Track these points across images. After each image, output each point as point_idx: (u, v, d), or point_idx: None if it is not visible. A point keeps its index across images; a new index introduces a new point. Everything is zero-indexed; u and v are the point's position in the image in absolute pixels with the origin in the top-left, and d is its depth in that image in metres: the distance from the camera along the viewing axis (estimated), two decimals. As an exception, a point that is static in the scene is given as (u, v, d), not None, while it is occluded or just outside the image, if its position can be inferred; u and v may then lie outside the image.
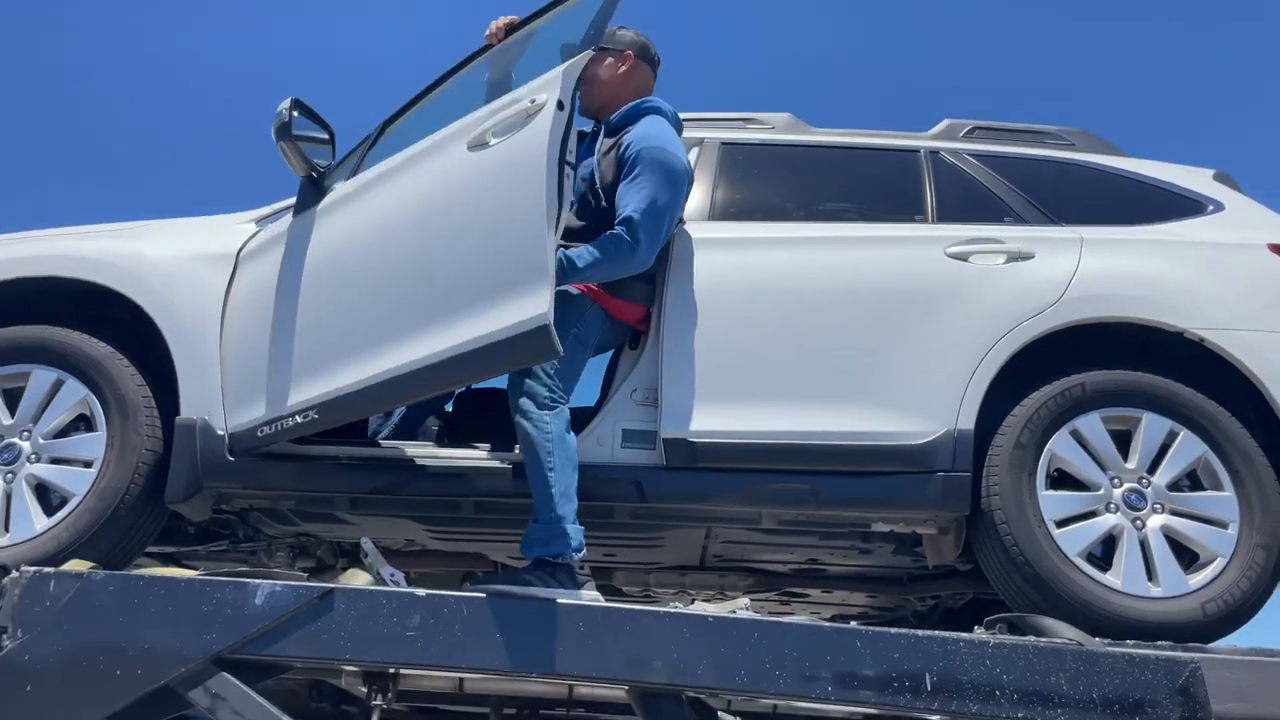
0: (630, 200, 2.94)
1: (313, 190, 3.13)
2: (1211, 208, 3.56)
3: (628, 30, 3.37)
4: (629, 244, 2.92)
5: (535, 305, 2.55)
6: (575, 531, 2.72)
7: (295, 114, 3.02)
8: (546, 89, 2.75)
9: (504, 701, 3.49)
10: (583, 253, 2.90)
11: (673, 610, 2.53)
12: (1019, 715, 2.39)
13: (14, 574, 2.49)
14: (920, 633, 2.48)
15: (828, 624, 2.52)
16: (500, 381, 3.00)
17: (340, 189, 3.10)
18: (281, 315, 2.98)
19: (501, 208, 2.69)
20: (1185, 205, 3.56)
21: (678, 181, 3.06)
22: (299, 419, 2.82)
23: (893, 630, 2.48)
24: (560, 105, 2.71)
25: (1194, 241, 3.39)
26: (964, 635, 2.51)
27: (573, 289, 2.99)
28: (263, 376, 2.96)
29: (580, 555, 2.73)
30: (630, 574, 3.83)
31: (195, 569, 3.81)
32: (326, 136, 3.16)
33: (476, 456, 3.02)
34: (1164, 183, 3.64)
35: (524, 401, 2.81)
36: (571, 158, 2.76)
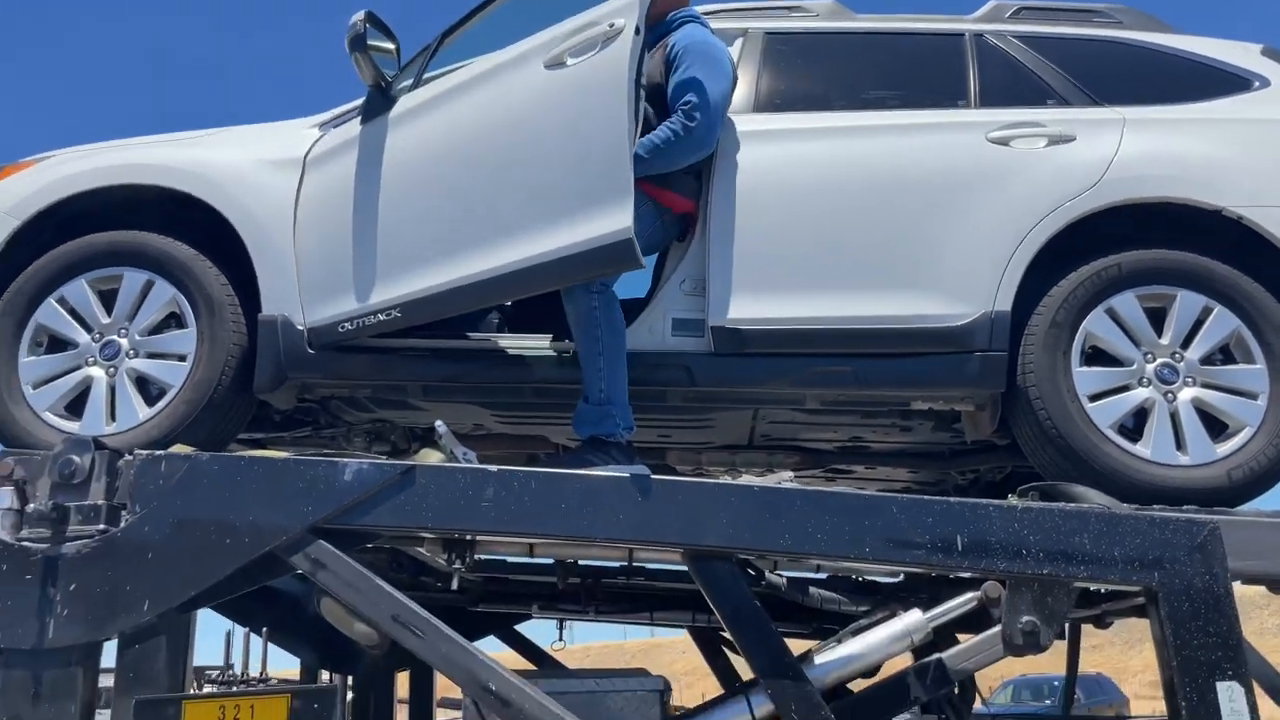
0: (686, 90, 3.11)
1: (381, 98, 3.28)
2: (1257, 84, 3.55)
3: None
4: (690, 129, 3.10)
5: (620, 219, 2.78)
6: (624, 412, 2.93)
7: (368, 25, 3.16)
8: (625, 14, 2.91)
9: (569, 570, 3.77)
10: (645, 142, 3.05)
11: (723, 481, 2.73)
12: (1044, 571, 2.58)
13: (128, 456, 2.77)
14: (953, 499, 2.67)
15: (866, 492, 2.71)
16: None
17: (412, 97, 3.24)
18: (358, 218, 3.17)
19: (584, 126, 2.88)
20: (1231, 82, 3.56)
21: (726, 73, 3.23)
22: (381, 317, 3.04)
23: (927, 497, 2.67)
24: (637, 30, 2.88)
25: (1236, 119, 3.41)
26: (994, 501, 2.70)
27: (650, 199, 3.17)
28: (340, 276, 3.16)
29: (630, 434, 2.94)
30: (683, 454, 4.05)
31: (284, 452, 4.14)
32: (393, 47, 3.30)
33: (537, 345, 3.23)
34: (1210, 59, 3.63)
35: (575, 288, 3.00)
36: (643, 79, 2.95)
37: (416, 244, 3.09)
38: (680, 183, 3.25)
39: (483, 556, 3.30)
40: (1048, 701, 16.96)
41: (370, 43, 3.19)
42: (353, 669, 5.00)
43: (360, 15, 3.13)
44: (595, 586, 4.41)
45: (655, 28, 3.35)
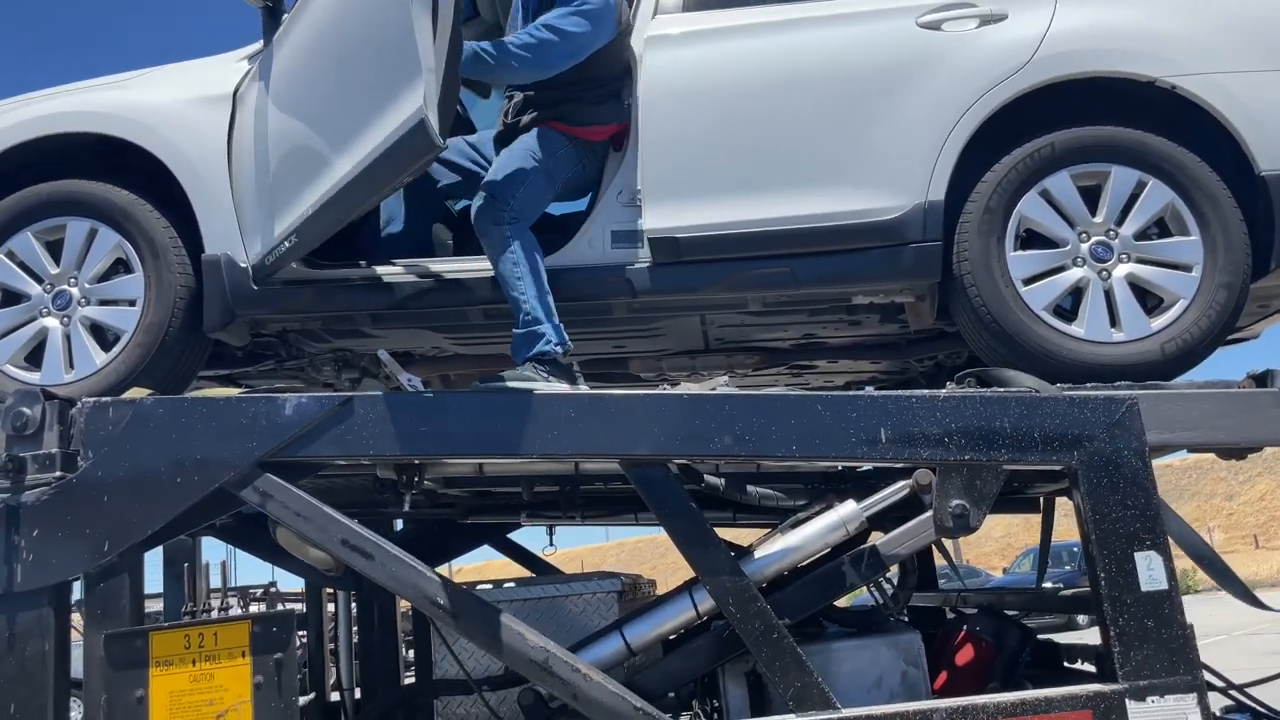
0: (560, 15, 3.09)
1: (271, 20, 3.26)
2: None
3: None
4: (544, 41, 3.07)
5: (412, 102, 2.57)
6: (554, 330, 2.98)
7: None
8: None
9: (533, 482, 3.87)
10: (496, 44, 3.04)
11: (650, 392, 2.80)
12: (967, 457, 2.65)
13: (78, 404, 2.86)
14: (875, 393, 2.72)
15: (793, 393, 2.77)
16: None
17: (288, 16, 3.21)
18: (264, 148, 3.19)
19: (379, 4, 2.69)
20: (1171, -55, 3.46)
21: (605, 26, 3.19)
22: (285, 245, 3.06)
23: (850, 393, 2.73)
24: None
25: None
26: (916, 392, 2.75)
27: (554, 131, 3.18)
28: (263, 209, 3.20)
29: (565, 350, 2.99)
30: (643, 361, 4.11)
31: (253, 387, 4.24)
32: None
33: (474, 267, 3.26)
34: (1153, -81, 3.51)
35: (484, 222, 3.05)
36: None
37: (297, 165, 3.07)
38: (596, 112, 3.24)
39: (440, 475, 3.40)
40: (1067, 568, 17.41)
41: None
42: (356, 584, 5.18)
43: None
44: (575, 493, 4.54)
45: None
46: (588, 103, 3.26)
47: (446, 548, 5.42)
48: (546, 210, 3.37)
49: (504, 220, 3.04)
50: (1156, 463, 2.82)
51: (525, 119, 3.32)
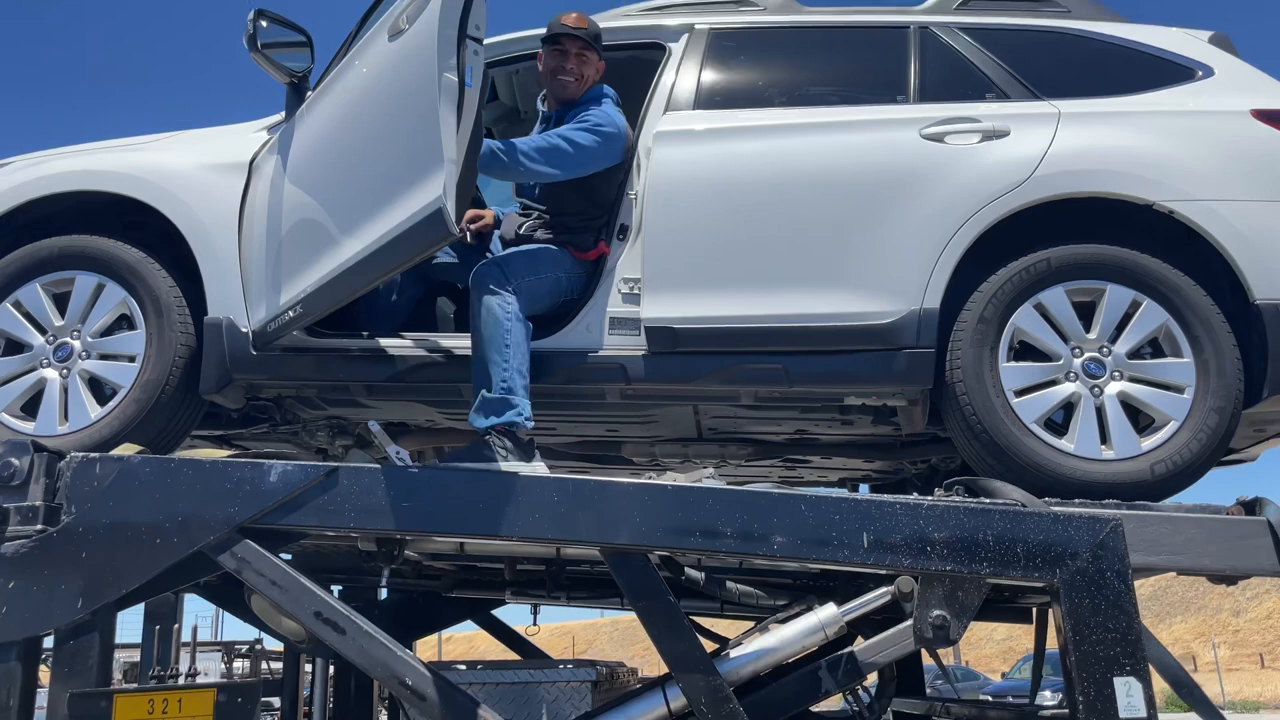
0: (574, 129, 3.25)
1: (295, 96, 3.35)
2: (1201, 73, 3.54)
3: (597, 22, 3.53)
4: (556, 147, 3.22)
5: (431, 189, 2.65)
6: (525, 404, 3.01)
7: (263, 24, 3.21)
8: None
9: (515, 560, 3.85)
10: (510, 144, 3.14)
11: (635, 481, 2.79)
12: (948, 567, 2.63)
13: (66, 458, 2.87)
14: (859, 496, 2.72)
15: (776, 490, 2.77)
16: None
17: (312, 94, 3.30)
18: (279, 217, 3.25)
19: (408, 95, 2.78)
20: (1173, 72, 3.55)
21: (613, 151, 3.36)
22: (291, 314, 3.11)
23: (834, 494, 2.73)
24: None
25: (1174, 111, 3.40)
26: (901, 498, 2.74)
27: (565, 251, 3.34)
28: (270, 276, 3.25)
29: (530, 426, 3.00)
30: (636, 446, 4.12)
31: (246, 448, 4.25)
32: (302, 39, 3.34)
33: (468, 345, 3.28)
34: (1154, 49, 3.61)
35: (486, 281, 3.11)
36: (478, 34, 2.78)
37: (310, 238, 3.14)
38: (598, 239, 3.37)
39: (422, 551, 3.39)
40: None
41: (272, 41, 3.23)
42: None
43: (251, 15, 3.18)
44: (561, 573, 4.51)
45: (575, 102, 3.46)
46: (593, 231, 3.38)
47: (431, 620, 5.38)
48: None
49: (505, 287, 3.10)
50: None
51: (539, 235, 3.44)
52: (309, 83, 3.38)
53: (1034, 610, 4.36)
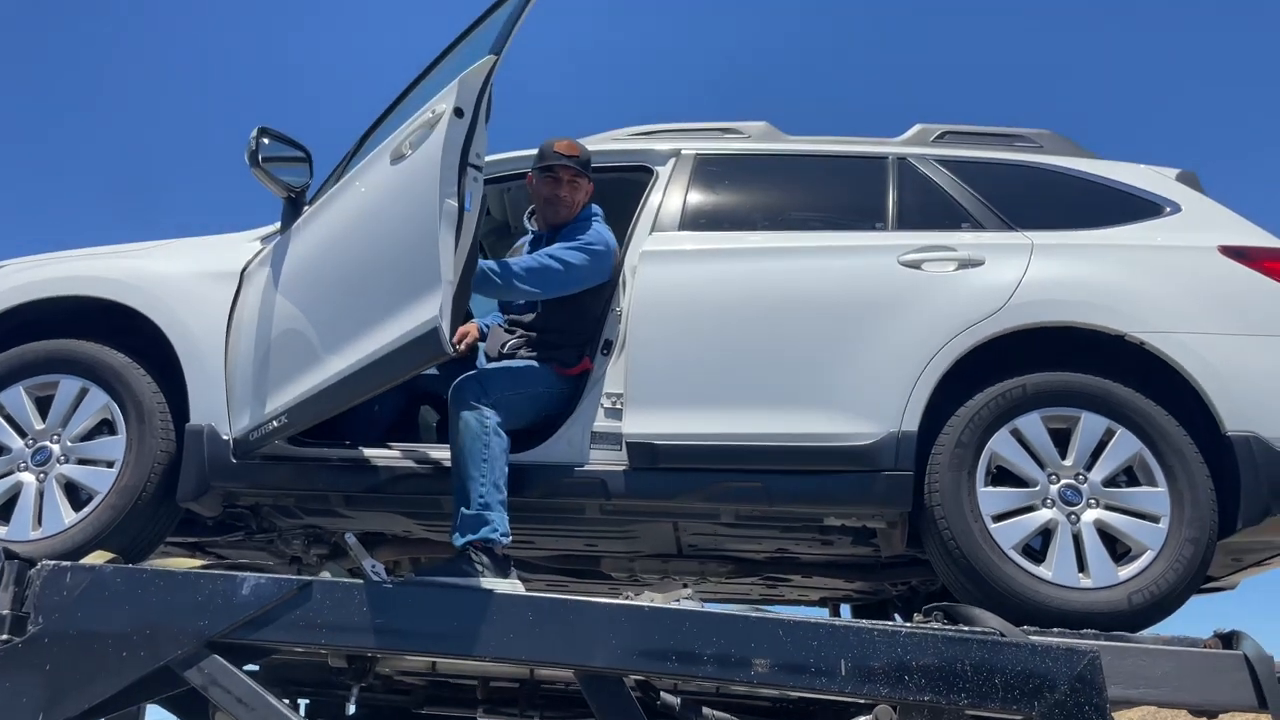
0: (565, 248, 3.34)
1: (292, 209, 3.43)
2: (1169, 209, 3.66)
3: (587, 146, 3.67)
4: (547, 267, 3.30)
5: (429, 308, 2.73)
6: (502, 520, 3.00)
7: (264, 140, 3.31)
8: (445, 99, 2.93)
9: (488, 679, 3.78)
10: (504, 264, 3.20)
11: (611, 602, 2.77)
12: (926, 697, 2.60)
13: (37, 566, 2.83)
14: (838, 621, 2.71)
15: (754, 614, 2.75)
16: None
17: (310, 208, 3.38)
18: (265, 328, 3.30)
19: (409, 217, 2.87)
20: (1142, 208, 3.67)
21: (602, 269, 3.45)
22: (275, 424, 3.13)
23: (812, 619, 2.71)
24: (459, 112, 2.86)
25: (1144, 245, 3.51)
26: (879, 624, 2.72)
27: (548, 367, 3.39)
28: (254, 386, 3.28)
29: (507, 541, 3.00)
30: (615, 561, 4.09)
31: (221, 556, 4.20)
32: (301, 155, 3.44)
33: (449, 456, 3.29)
34: (1123, 185, 3.75)
35: (465, 396, 3.13)
36: (479, 161, 2.90)
37: (299, 349, 3.18)
38: (581, 355, 3.43)
39: (396, 667, 3.32)
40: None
41: (272, 155, 3.33)
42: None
43: (254, 132, 3.28)
44: (535, 692, 4.41)
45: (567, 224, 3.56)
46: (576, 346, 3.44)
47: (398, 737, 5.21)
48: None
49: (483, 402, 3.12)
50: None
51: (522, 354, 3.50)
52: (306, 197, 3.46)
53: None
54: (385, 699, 4.81)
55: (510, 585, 2.91)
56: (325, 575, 3.00)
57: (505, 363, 3.43)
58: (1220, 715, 3.02)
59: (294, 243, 3.35)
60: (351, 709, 5.04)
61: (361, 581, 2.86)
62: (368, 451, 3.37)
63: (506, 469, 3.08)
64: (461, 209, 2.78)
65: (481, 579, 2.86)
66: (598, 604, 2.75)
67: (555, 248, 3.40)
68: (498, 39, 2.94)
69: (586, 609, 2.74)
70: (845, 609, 4.93)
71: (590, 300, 3.47)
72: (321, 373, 3.02)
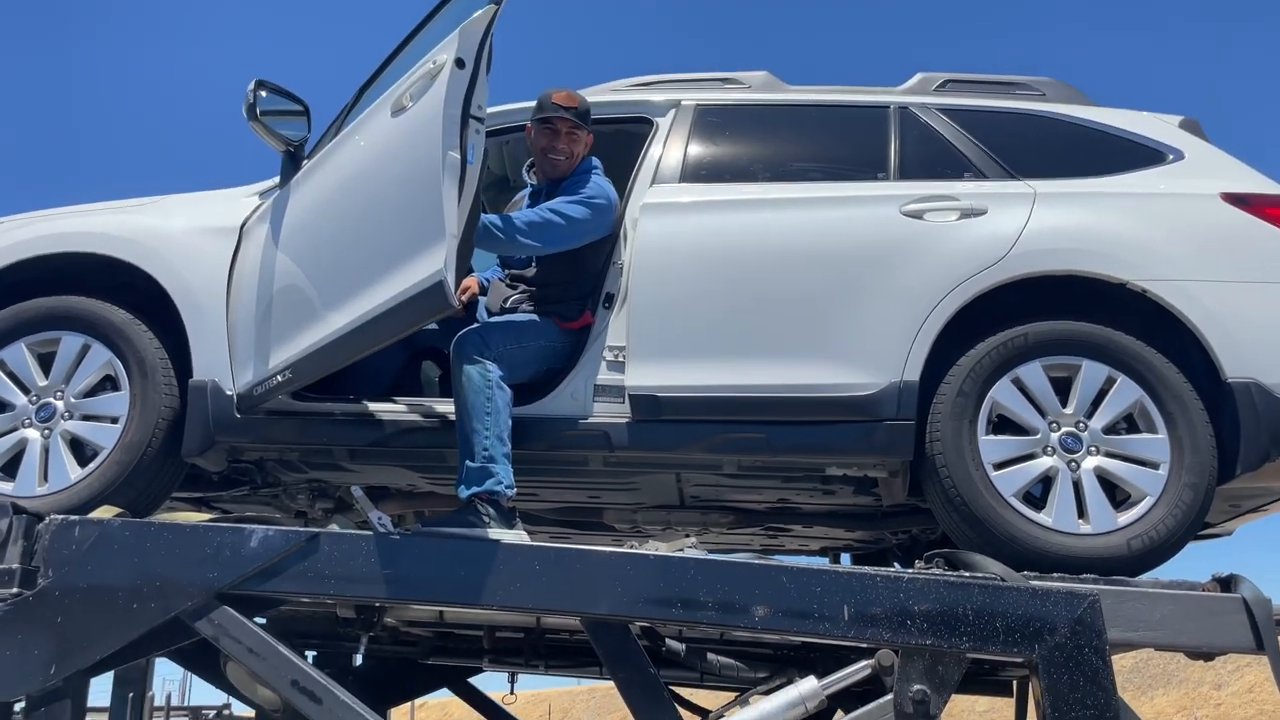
0: (566, 202, 3.32)
1: (291, 164, 3.41)
2: (1172, 157, 3.65)
3: (586, 97, 3.62)
4: (549, 221, 3.28)
5: (433, 261, 2.74)
6: (506, 471, 3.03)
7: (262, 93, 3.27)
8: (446, 49, 2.91)
9: (494, 628, 3.82)
10: (506, 219, 3.21)
11: (616, 550, 2.80)
12: (928, 641, 2.64)
13: (45, 521, 2.86)
14: (840, 568, 2.74)
15: (758, 561, 2.78)
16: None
17: (309, 162, 3.36)
18: (266, 283, 3.29)
19: (410, 170, 2.87)
20: (1145, 155, 3.65)
21: (604, 223, 3.43)
22: (279, 378, 3.14)
23: (815, 566, 2.74)
24: (460, 63, 2.84)
25: (1146, 193, 3.49)
26: (881, 570, 2.76)
27: (549, 321, 3.38)
28: (257, 340, 3.28)
29: (512, 493, 3.02)
30: (618, 513, 4.12)
31: (226, 510, 4.23)
32: (299, 109, 3.40)
33: (453, 410, 3.30)
34: (1126, 132, 3.72)
35: (468, 350, 3.13)
36: (481, 113, 2.88)
37: (301, 304, 3.18)
38: (583, 308, 3.42)
39: (403, 618, 3.36)
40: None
41: (270, 109, 3.30)
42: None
43: (251, 85, 3.25)
44: (540, 641, 4.47)
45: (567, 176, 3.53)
46: (577, 300, 3.44)
47: (406, 687, 5.30)
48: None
49: (487, 355, 3.13)
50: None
51: (524, 308, 3.50)
52: (304, 151, 3.44)
53: (1014, 683, 4.35)
54: (391, 650, 4.88)
55: (516, 535, 2.93)
56: (333, 528, 3.03)
57: (507, 317, 3.43)
58: (1216, 658, 3.07)
59: (294, 197, 3.34)
60: (358, 660, 5.12)
61: (369, 533, 2.88)
62: (372, 406, 3.38)
63: (510, 422, 3.09)
64: (464, 161, 2.77)
65: (488, 529, 2.89)
66: (603, 552, 2.78)
67: (557, 202, 3.38)
68: None
69: (592, 557, 2.77)
70: (845, 558, 4.97)
71: (590, 254, 3.46)
72: (325, 327, 3.02)
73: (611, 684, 2.92)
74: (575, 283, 3.47)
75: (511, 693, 5.24)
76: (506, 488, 3.00)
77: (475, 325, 3.39)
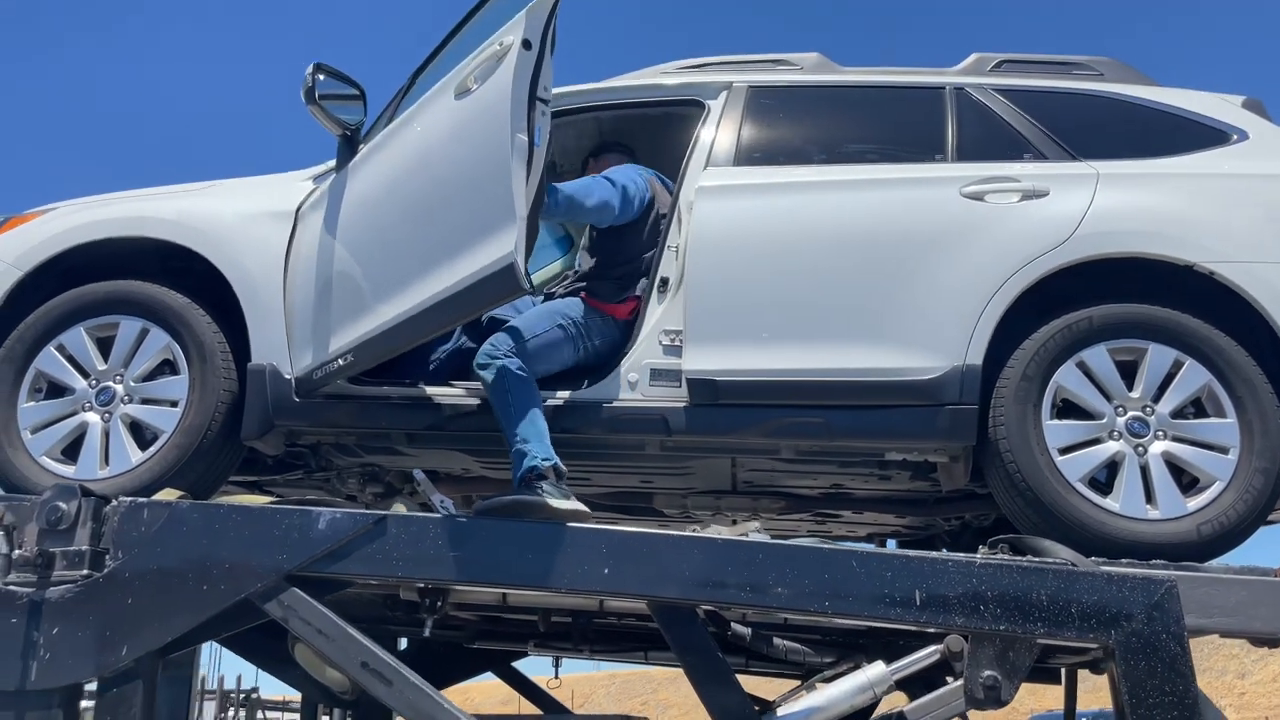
0: (595, 179, 3.44)
1: (347, 148, 3.40)
2: (1236, 137, 3.58)
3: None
4: (609, 188, 3.36)
5: (504, 244, 2.75)
6: (540, 447, 3.06)
7: (320, 77, 3.26)
8: (512, 30, 2.90)
9: (550, 612, 3.82)
10: (561, 187, 3.25)
11: (684, 534, 2.79)
12: (1001, 627, 2.61)
13: (113, 503, 2.87)
14: (911, 553, 2.71)
15: (826, 546, 2.76)
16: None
17: (367, 144, 3.35)
18: (325, 267, 3.29)
19: (477, 152, 2.86)
20: (1208, 135, 3.59)
21: (629, 204, 3.49)
22: (340, 362, 3.14)
23: (885, 550, 2.72)
24: (527, 44, 2.83)
25: (1211, 173, 3.44)
26: (954, 555, 2.73)
27: (575, 299, 3.45)
28: (316, 324, 3.28)
29: (553, 464, 3.04)
30: (669, 497, 4.11)
31: (277, 494, 4.24)
32: (356, 93, 3.39)
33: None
34: (1188, 113, 3.66)
35: (482, 361, 3.20)
36: (547, 95, 2.88)
37: (363, 287, 3.18)
38: (619, 292, 3.47)
39: (464, 602, 3.37)
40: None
41: (328, 93, 3.29)
42: (353, 704, 5.07)
43: (310, 68, 3.24)
44: (588, 626, 4.47)
45: None
46: (612, 280, 3.47)
47: (451, 671, 5.31)
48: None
49: (496, 360, 3.18)
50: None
51: (560, 290, 3.58)
52: (360, 135, 3.43)
53: (1063, 671, 4.32)
54: (437, 634, 4.89)
55: (570, 504, 2.95)
56: (400, 509, 3.03)
57: (535, 309, 3.51)
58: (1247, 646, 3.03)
59: (352, 181, 3.33)
60: (402, 644, 5.14)
61: (437, 515, 2.88)
62: (429, 390, 3.38)
63: (535, 404, 3.14)
64: (531, 143, 2.76)
65: (547, 498, 2.90)
66: (671, 536, 2.77)
67: (585, 179, 3.46)
68: None
69: (660, 541, 2.76)
70: (891, 544, 4.95)
71: (630, 234, 3.48)
72: (389, 310, 3.03)
73: (630, 669, 2.92)
74: (609, 264, 3.50)
75: (556, 676, 5.25)
76: (543, 460, 3.03)
77: (499, 331, 3.41)
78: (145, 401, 3.40)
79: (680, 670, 2.85)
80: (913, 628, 2.75)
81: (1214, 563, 2.99)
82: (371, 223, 3.21)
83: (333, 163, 3.66)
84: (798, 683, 3.39)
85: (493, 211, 2.77)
